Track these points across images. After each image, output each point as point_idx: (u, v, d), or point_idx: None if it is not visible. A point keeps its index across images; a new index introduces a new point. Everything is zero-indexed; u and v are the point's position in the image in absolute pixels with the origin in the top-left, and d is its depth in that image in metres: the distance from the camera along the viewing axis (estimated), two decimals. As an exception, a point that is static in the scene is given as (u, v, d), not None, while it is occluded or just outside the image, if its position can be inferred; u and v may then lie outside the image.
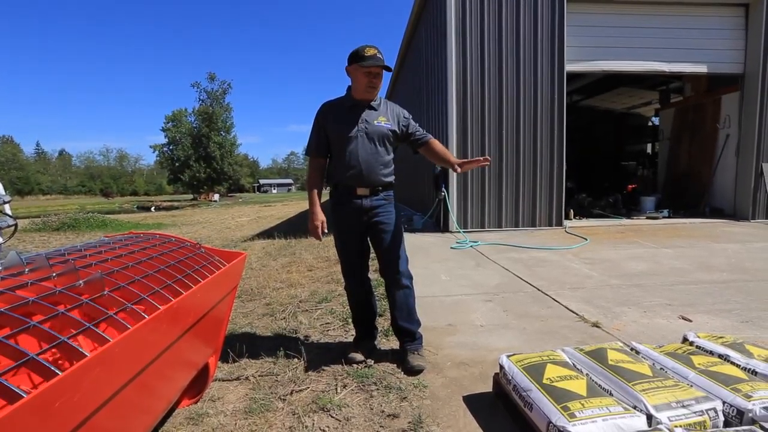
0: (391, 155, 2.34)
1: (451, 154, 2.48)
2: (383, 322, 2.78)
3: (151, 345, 1.23)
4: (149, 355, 1.22)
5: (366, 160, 2.22)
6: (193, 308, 1.52)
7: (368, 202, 2.26)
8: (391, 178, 2.33)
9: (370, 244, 2.38)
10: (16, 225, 2.02)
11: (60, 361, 1.15)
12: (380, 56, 2.17)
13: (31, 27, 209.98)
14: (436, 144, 2.42)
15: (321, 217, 2.31)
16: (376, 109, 2.29)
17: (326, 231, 2.37)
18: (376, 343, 2.51)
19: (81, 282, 1.29)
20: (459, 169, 2.26)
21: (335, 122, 2.26)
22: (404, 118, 2.36)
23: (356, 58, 2.18)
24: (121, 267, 1.49)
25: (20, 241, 9.79)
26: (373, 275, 2.58)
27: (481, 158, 2.30)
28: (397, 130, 2.32)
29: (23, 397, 0.78)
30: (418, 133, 2.39)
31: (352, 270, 2.41)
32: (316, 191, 2.35)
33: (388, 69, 2.20)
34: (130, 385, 1.12)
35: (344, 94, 2.34)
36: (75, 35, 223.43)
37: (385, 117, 2.29)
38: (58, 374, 0.87)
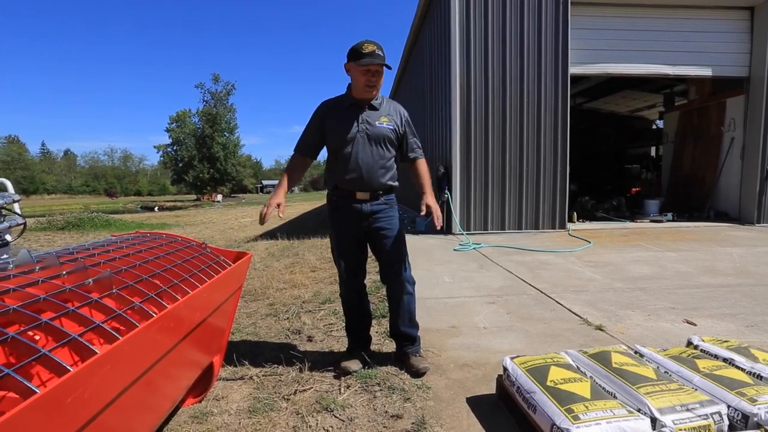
0: (393, 157, 2.21)
1: (430, 185, 2.29)
2: (381, 325, 2.79)
3: (159, 344, 1.24)
4: (157, 353, 1.23)
5: (367, 163, 2.10)
6: (200, 307, 1.53)
7: (368, 206, 2.15)
8: (393, 182, 2.22)
9: (371, 250, 2.30)
10: (25, 224, 2.04)
11: (70, 358, 1.16)
12: (379, 53, 2.02)
13: (38, 27, 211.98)
14: (421, 167, 2.30)
15: (278, 200, 2.07)
16: (377, 109, 2.15)
17: (281, 216, 2.11)
18: (371, 350, 2.44)
19: (90, 280, 1.30)
20: (422, 212, 2.17)
21: (334, 123, 2.14)
22: (406, 119, 2.24)
23: (354, 55, 2.03)
24: (129, 266, 1.50)
25: (26, 240, 9.86)
26: (369, 280, 2.54)
27: (438, 220, 2.17)
28: (399, 131, 2.20)
29: (36, 392, 0.79)
30: (412, 144, 2.28)
31: (349, 276, 2.27)
32: (287, 178, 2.19)
33: (387, 67, 2.06)
34: (138, 383, 1.13)
35: (344, 93, 2.20)
36: (81, 36, 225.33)
37: (387, 117, 2.16)
38: (69, 371, 0.89)
